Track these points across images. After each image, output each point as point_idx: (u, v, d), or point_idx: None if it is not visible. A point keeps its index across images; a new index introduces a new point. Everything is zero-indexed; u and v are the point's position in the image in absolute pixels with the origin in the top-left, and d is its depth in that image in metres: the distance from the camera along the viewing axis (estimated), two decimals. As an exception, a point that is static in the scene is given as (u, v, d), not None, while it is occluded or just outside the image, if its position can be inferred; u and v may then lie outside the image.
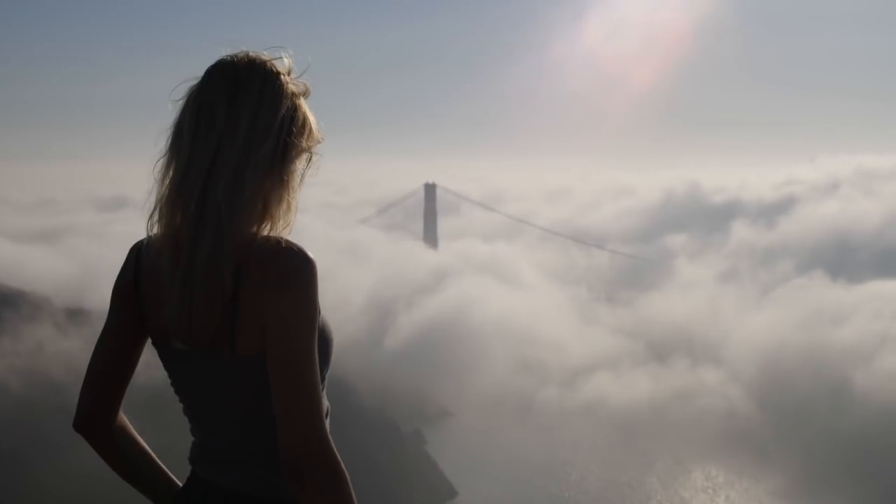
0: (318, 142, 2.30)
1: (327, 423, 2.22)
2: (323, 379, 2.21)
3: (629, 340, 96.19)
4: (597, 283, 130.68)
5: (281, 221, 2.22)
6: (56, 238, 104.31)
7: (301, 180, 2.28)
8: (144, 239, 2.29)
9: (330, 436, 2.14)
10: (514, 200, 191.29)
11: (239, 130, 2.13)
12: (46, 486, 44.39)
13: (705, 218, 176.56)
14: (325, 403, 2.23)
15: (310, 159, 2.30)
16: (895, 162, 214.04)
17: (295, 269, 2.10)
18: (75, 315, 59.62)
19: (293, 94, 2.24)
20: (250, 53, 2.24)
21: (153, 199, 2.19)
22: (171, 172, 2.17)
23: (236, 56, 2.24)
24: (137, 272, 2.29)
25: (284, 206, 2.21)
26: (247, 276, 2.11)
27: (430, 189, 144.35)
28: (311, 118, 2.29)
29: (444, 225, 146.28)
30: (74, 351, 55.38)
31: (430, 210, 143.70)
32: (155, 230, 2.21)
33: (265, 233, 2.19)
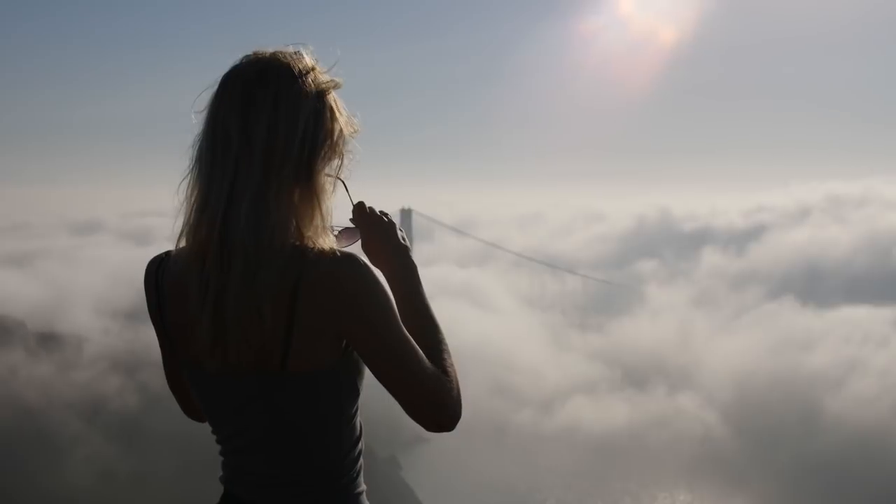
0: (353, 135, 2.13)
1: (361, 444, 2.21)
2: (357, 396, 2.16)
3: (603, 365, 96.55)
4: (570, 308, 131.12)
5: (314, 235, 2.04)
6: (28, 262, 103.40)
7: (334, 188, 2.11)
8: (168, 251, 2.12)
9: (448, 390, 2.12)
10: (486, 226, 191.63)
11: (255, 149, 1.95)
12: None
13: (676, 244, 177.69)
14: (359, 422, 2.20)
15: (341, 161, 2.12)
16: (864, 188, 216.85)
17: (363, 276, 1.98)
18: (47, 339, 59.21)
19: (316, 94, 2.03)
20: (264, 56, 2.03)
21: (181, 221, 2.03)
22: (194, 194, 2.01)
23: (248, 61, 2.03)
24: (160, 294, 2.12)
25: (318, 221, 2.04)
26: (308, 294, 1.95)
27: (406, 214, 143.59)
28: (341, 114, 2.09)
29: (418, 250, 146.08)
30: (47, 375, 54.96)
31: (405, 236, 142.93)
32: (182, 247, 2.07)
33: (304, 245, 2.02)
